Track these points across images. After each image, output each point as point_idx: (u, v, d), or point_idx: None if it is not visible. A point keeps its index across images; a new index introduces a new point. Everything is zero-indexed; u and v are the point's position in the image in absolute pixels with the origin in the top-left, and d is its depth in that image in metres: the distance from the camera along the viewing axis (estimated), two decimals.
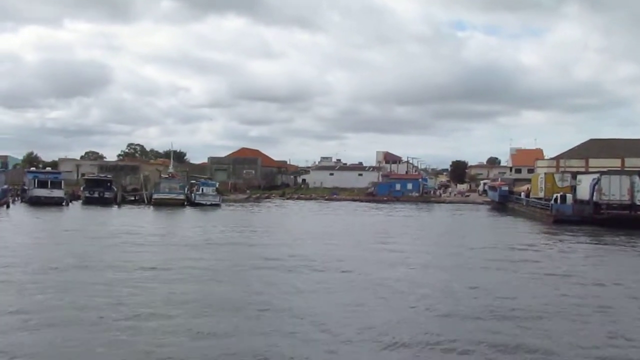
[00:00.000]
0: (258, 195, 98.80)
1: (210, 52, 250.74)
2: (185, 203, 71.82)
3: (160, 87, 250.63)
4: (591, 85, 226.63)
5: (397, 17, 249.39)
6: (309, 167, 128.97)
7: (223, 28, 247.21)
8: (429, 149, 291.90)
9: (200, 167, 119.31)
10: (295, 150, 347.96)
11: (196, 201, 71.47)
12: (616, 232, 43.29)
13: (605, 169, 56.38)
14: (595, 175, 52.29)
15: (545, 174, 64.41)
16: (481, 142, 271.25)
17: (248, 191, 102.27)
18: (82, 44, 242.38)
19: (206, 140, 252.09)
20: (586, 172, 60.35)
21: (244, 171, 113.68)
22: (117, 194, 71.67)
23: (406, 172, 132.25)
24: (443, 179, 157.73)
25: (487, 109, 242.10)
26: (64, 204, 65.33)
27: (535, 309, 18.03)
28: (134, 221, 49.46)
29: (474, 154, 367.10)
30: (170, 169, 77.45)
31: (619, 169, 71.62)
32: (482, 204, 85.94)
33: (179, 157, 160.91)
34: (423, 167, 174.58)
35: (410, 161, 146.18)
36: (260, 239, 37.91)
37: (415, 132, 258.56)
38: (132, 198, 75.63)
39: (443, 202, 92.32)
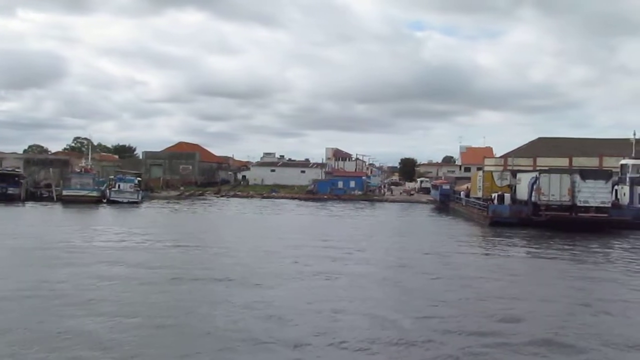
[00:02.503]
0: (192, 192, 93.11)
1: (168, 46, 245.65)
2: (104, 200, 66.10)
3: (116, 81, 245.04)
4: (545, 87, 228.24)
5: (357, 16, 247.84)
6: (249, 163, 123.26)
7: (182, 22, 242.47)
8: (389, 147, 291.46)
9: (137, 162, 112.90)
10: (256, 147, 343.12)
11: (111, 198, 65.79)
12: (554, 237, 39.08)
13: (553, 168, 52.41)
14: (534, 174, 47.96)
15: (483, 172, 60.02)
16: (440, 140, 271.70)
17: (182, 188, 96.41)
18: (35, 34, 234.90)
19: (164, 136, 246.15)
20: (526, 171, 55.94)
21: (181, 166, 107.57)
22: (22, 190, 65.19)
23: (355, 170, 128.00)
24: (395, 177, 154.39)
25: (445, 109, 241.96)
26: None
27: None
28: (16, 222, 43.53)
29: (433, 153, 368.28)
30: (83, 163, 71.00)
31: (566, 167, 67.93)
32: (425, 203, 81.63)
33: (127, 151, 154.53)
34: (379, 164, 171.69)
35: (360, 158, 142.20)
36: (135, 244, 32.28)
37: (375, 130, 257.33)
38: (46, 194, 69.60)
39: (386, 200, 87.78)
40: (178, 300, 18.30)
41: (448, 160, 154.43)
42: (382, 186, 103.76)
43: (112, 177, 73.46)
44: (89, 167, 71.54)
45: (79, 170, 69.18)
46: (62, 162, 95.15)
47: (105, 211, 57.75)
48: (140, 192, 70.58)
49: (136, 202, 66.20)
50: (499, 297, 19.82)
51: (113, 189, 67.45)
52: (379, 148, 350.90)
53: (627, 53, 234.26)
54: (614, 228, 43.55)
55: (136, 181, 70.45)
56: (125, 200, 65.43)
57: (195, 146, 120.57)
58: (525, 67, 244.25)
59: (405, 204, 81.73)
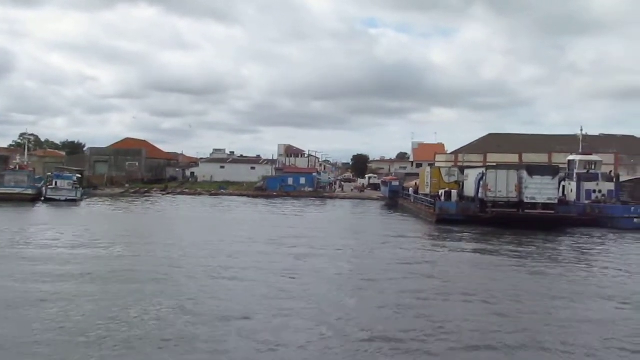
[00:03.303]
0: (137, 189, 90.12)
1: (120, 42, 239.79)
2: (42, 198, 63.09)
3: (67, 76, 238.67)
4: (496, 85, 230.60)
5: (312, 13, 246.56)
6: (196, 159, 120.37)
7: (134, 17, 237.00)
8: (344, 143, 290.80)
9: (83, 159, 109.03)
10: (211, 144, 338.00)
11: (48, 196, 62.85)
12: (499, 234, 38.23)
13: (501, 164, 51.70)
14: (481, 170, 47.09)
15: (431, 168, 59.07)
16: (394, 137, 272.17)
17: (127, 185, 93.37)
18: None
19: (116, 132, 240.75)
20: (474, 167, 55.16)
21: (127, 163, 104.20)
22: None
23: (308, 166, 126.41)
24: (349, 173, 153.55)
25: (399, 106, 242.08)
26: None
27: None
28: None
29: (388, 149, 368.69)
30: (18, 159, 67.65)
31: (515, 163, 67.57)
32: (376, 199, 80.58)
33: (77, 148, 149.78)
34: (334, 161, 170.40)
35: (313, 154, 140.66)
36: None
37: (330, 127, 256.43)
38: None
39: (336, 197, 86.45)
40: (93, 303, 17.13)
41: (402, 157, 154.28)
42: (334, 183, 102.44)
43: (49, 174, 70.35)
44: (25, 163, 68.22)
45: (13, 167, 65.88)
46: (2, 159, 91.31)
47: (38, 210, 54.99)
48: (80, 189, 67.58)
49: (74, 200, 63.32)
50: (427, 298, 18.95)
51: (50, 186, 64.48)
52: (334, 145, 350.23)
53: (576, 52, 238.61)
54: (561, 225, 42.97)
55: (75, 178, 67.31)
56: (62, 198, 62.54)
57: (143, 142, 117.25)
58: (477, 65, 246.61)
59: (356, 201, 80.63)
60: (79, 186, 68.01)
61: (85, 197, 69.39)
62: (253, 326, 15.04)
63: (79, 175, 72.28)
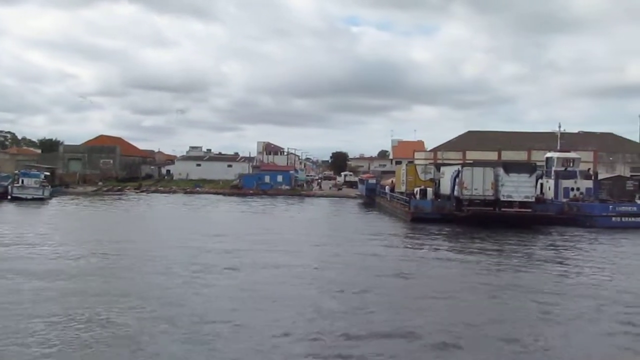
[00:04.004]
0: (110, 187, 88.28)
1: (100, 39, 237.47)
2: (9, 197, 61.27)
3: (46, 74, 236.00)
4: (477, 83, 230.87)
5: (293, 10, 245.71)
6: (173, 157, 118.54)
7: (114, 14, 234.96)
8: (326, 141, 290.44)
9: (57, 156, 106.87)
10: (192, 141, 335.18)
11: (14, 195, 61.05)
12: (474, 233, 37.05)
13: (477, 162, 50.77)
14: (457, 167, 45.93)
15: (407, 165, 57.88)
16: (375, 135, 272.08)
17: (100, 183, 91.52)
18: None
19: (96, 130, 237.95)
20: (450, 164, 54.03)
21: (101, 161, 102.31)
22: None
23: (287, 164, 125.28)
24: (330, 171, 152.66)
25: (381, 104, 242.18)
26: None
27: None
28: None
29: (370, 147, 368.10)
30: None
31: (493, 160, 66.65)
32: (354, 197, 79.33)
33: (54, 145, 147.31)
34: (315, 159, 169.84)
35: (293, 152, 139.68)
36: None
37: (311, 124, 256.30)
38: None
39: (313, 195, 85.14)
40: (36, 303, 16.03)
41: (383, 155, 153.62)
42: (312, 180, 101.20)
43: (16, 172, 68.52)
44: None
45: None
46: None
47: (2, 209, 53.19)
48: (48, 187, 65.77)
49: (42, 199, 61.61)
50: (396, 299, 18.11)
51: (16, 184, 62.71)
52: (316, 142, 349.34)
53: (556, 50, 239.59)
54: (538, 223, 41.99)
55: (42, 176, 65.54)
56: (29, 197, 60.83)
57: (117, 139, 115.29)
58: (458, 63, 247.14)
59: (333, 199, 79.33)
60: (47, 184, 66.29)
61: (55, 195, 67.61)
62: (219, 330, 14.28)
63: (47, 173, 70.46)
